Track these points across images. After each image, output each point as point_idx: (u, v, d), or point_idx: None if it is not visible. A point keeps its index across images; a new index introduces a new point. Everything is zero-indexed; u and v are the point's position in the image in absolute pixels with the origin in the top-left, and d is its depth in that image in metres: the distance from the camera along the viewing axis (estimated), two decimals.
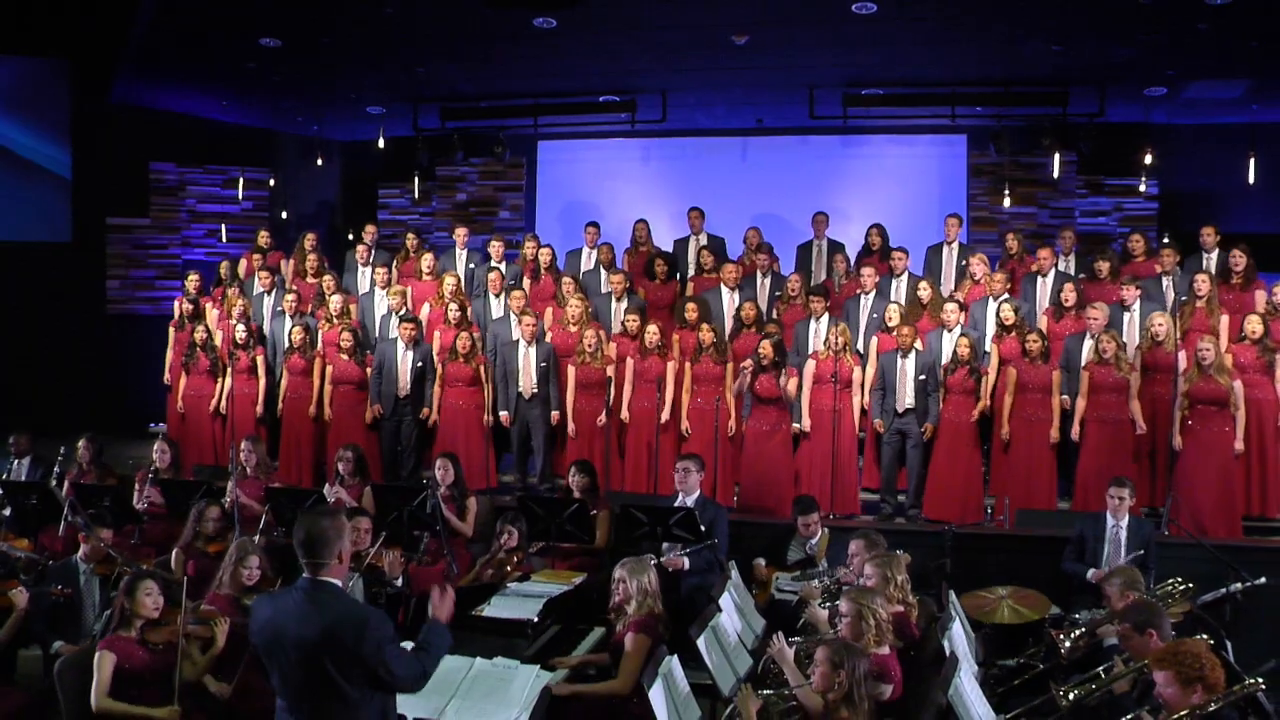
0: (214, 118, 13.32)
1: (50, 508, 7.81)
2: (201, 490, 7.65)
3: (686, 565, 7.04)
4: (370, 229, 11.50)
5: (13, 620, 5.81)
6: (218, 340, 10.10)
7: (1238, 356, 8.32)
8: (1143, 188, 12.06)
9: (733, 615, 5.80)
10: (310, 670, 3.72)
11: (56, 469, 8.60)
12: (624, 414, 9.20)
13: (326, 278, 10.43)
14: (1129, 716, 4.26)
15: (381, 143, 12.78)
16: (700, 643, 5.13)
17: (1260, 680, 4.16)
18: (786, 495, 8.58)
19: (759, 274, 10.51)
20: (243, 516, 7.47)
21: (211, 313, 10.54)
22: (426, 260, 10.75)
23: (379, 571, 6.64)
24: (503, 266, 10.75)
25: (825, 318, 9.34)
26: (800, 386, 8.81)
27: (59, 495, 7.94)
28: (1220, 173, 11.74)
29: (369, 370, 9.63)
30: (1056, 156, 11.77)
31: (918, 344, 8.82)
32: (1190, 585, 6.07)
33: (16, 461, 8.87)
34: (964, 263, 10.17)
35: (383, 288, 10.40)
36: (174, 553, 7.00)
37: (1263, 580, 6.73)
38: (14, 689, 5.84)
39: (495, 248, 10.95)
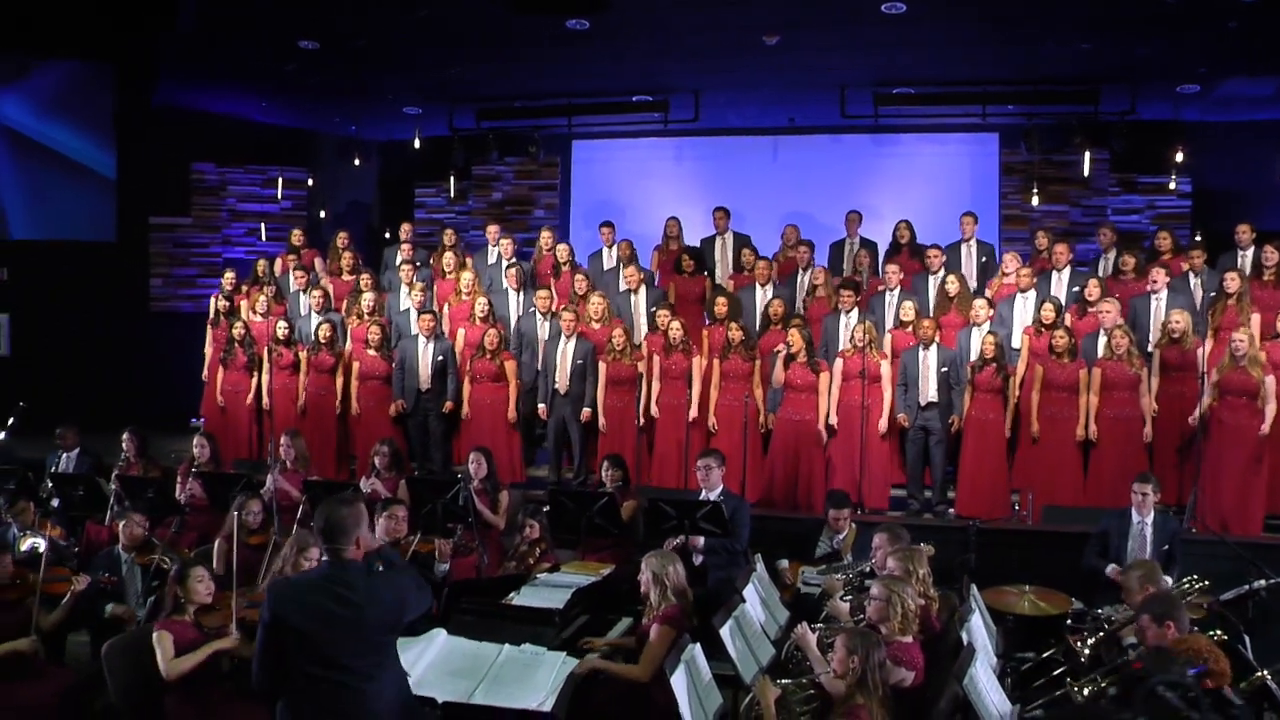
0: (253, 119, 13.57)
1: (96, 499, 8.05)
2: (241, 483, 7.84)
3: (701, 543, 7.18)
4: (406, 227, 11.70)
5: (66, 603, 6.01)
6: (254, 336, 10.31)
7: (1270, 354, 8.30)
8: (1174, 185, 12.02)
9: (756, 606, 5.91)
10: (342, 644, 3.93)
11: (118, 468, 8.78)
12: (653, 409, 9.31)
13: (364, 275, 10.64)
14: None
15: (418, 143, 12.97)
16: (724, 631, 5.23)
17: (1265, 674, 4.21)
18: (817, 488, 8.68)
19: (799, 270, 10.61)
20: (280, 508, 7.65)
21: (247, 310, 10.78)
22: (448, 259, 10.93)
23: (427, 557, 6.82)
24: (521, 263, 10.89)
25: (854, 312, 9.41)
26: (830, 381, 8.90)
27: (105, 487, 8.16)
28: (1252, 170, 11.69)
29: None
30: (1087, 155, 11.76)
31: (939, 338, 8.88)
32: (1208, 583, 6.09)
33: (64, 454, 9.13)
34: (983, 259, 10.21)
35: (408, 284, 10.58)
36: (216, 543, 7.17)
37: None
38: (65, 670, 6.05)
39: (505, 245, 11.08)
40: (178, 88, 12.31)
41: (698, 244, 11.58)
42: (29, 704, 5.55)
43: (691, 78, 11.61)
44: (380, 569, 4.20)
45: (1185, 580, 6.11)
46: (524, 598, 5.99)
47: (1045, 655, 5.96)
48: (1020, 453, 8.76)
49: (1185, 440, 8.43)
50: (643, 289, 10.29)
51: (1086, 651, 5.43)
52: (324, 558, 4.11)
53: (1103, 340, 8.60)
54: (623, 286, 10.52)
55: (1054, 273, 9.78)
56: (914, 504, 9.00)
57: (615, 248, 11.13)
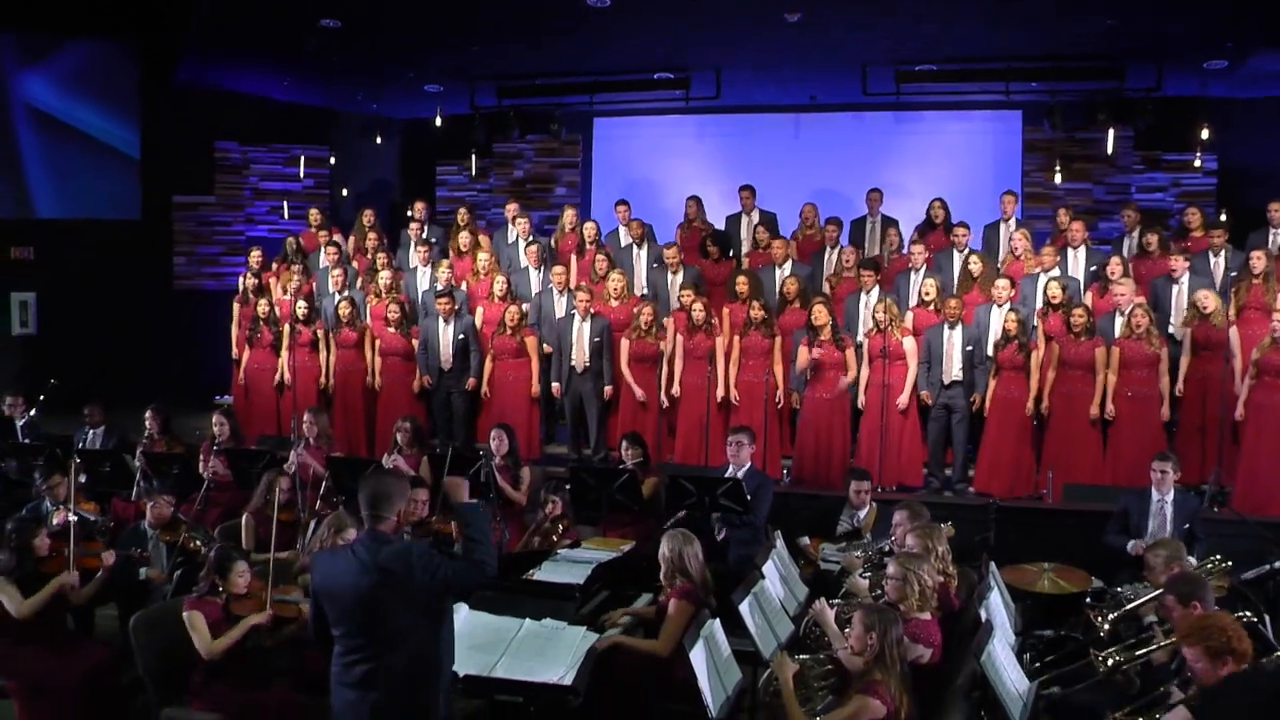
0: (276, 97, 13.60)
1: (123, 475, 8.15)
2: (265, 460, 7.91)
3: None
4: (420, 206, 11.72)
5: (98, 578, 6.10)
6: (279, 315, 10.40)
7: None
8: (1199, 163, 11.90)
9: (776, 582, 5.93)
10: (368, 609, 4.01)
11: (142, 445, 8.85)
12: (675, 389, 9.34)
13: (381, 254, 10.70)
14: (1160, 690, 4.33)
15: (439, 121, 12.97)
16: (743, 608, 5.27)
17: None
18: (841, 465, 8.70)
19: (827, 248, 10.59)
20: (304, 484, 7.73)
21: (275, 288, 10.85)
22: (464, 238, 10.96)
23: (445, 535, 6.86)
24: (524, 240, 10.93)
25: (875, 291, 9.40)
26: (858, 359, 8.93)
27: (130, 463, 8.25)
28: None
29: (415, 343, 9.89)
30: (1111, 132, 11.66)
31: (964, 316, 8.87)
32: (1230, 563, 6.07)
33: (91, 431, 9.23)
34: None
35: (425, 264, 10.62)
36: (244, 518, 7.27)
37: None
38: (95, 644, 6.15)
39: (521, 224, 11.11)
40: (201, 66, 12.35)
41: (722, 222, 11.56)
42: (59, 676, 5.64)
43: (713, 55, 11.56)
44: (408, 540, 4.26)
45: (1208, 560, 6.08)
46: (545, 573, 6.04)
47: (1064, 632, 5.98)
48: (1044, 434, 8.73)
49: (1209, 420, 8.37)
50: (681, 270, 10.29)
51: (1106, 627, 5.41)
52: (364, 531, 4.18)
53: (1120, 319, 8.56)
54: (638, 264, 10.53)
55: (1069, 250, 9.72)
56: (934, 481, 9.00)
57: (629, 226, 11.13)
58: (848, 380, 8.82)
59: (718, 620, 5.03)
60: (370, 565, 4.01)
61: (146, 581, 6.44)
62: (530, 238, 11.02)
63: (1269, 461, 8.05)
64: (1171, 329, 8.81)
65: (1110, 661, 4.69)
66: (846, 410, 8.90)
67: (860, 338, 9.24)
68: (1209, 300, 8.40)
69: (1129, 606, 5.56)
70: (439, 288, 10.06)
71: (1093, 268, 9.41)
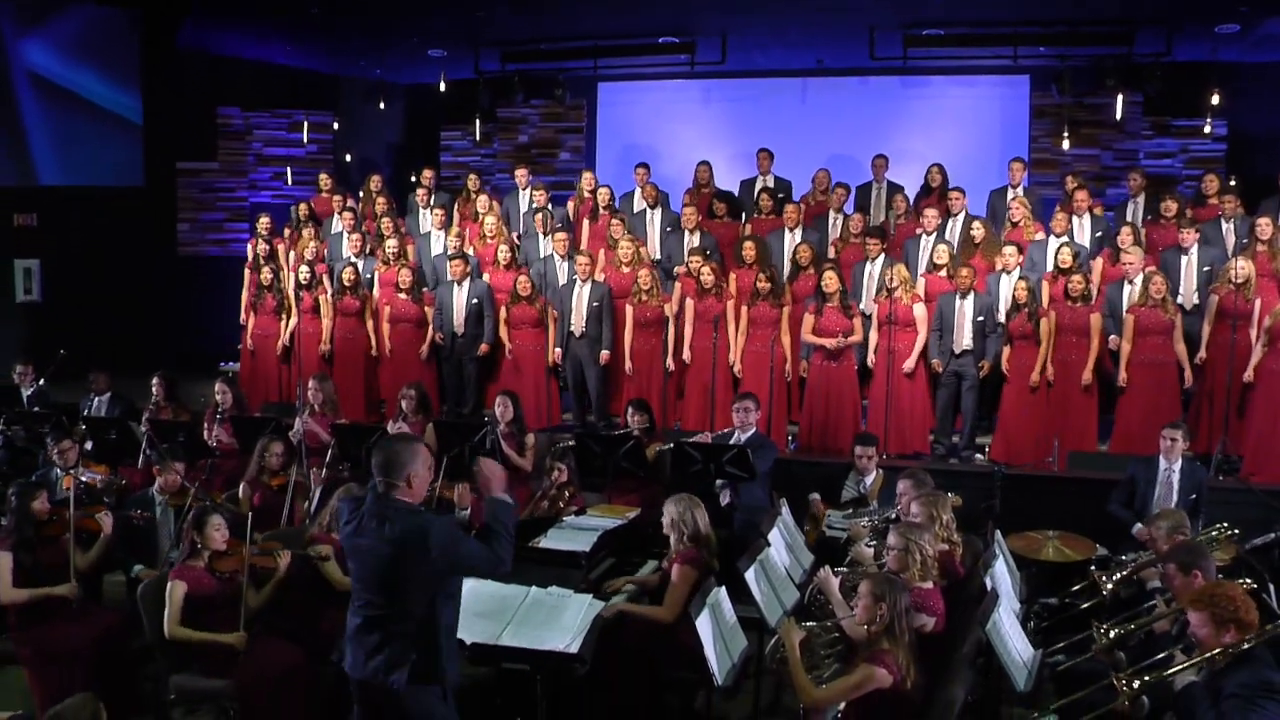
0: (278, 62, 13.54)
1: (128, 442, 8.16)
2: (270, 426, 7.92)
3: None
4: (428, 173, 11.67)
5: (100, 544, 6.13)
6: (289, 281, 10.38)
7: None
8: (1208, 129, 11.80)
9: (781, 550, 5.95)
10: (380, 575, 4.03)
11: (147, 412, 8.84)
12: (685, 354, 9.32)
13: (385, 220, 10.67)
14: (1163, 653, 4.34)
15: (443, 85, 12.89)
16: (749, 575, 5.29)
17: None
18: (849, 432, 8.70)
19: (831, 212, 10.54)
20: (309, 450, 7.74)
21: (289, 254, 10.82)
22: (482, 202, 10.91)
23: (448, 502, 6.87)
24: (549, 207, 10.87)
25: (880, 259, 9.35)
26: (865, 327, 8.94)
27: (137, 430, 8.27)
28: None
29: (427, 309, 9.87)
30: (1120, 97, 11.56)
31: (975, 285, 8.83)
32: (1236, 531, 6.08)
33: (96, 398, 9.23)
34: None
35: (439, 229, 10.59)
36: (241, 486, 7.30)
37: None
38: (104, 611, 6.17)
39: (539, 193, 11.05)
40: (202, 31, 12.28)
41: (735, 186, 11.49)
42: (68, 644, 5.68)
43: (719, 19, 11.47)
44: (429, 515, 4.23)
45: (1215, 528, 6.08)
46: (551, 540, 6.05)
47: (1067, 596, 5.99)
48: (1046, 398, 8.70)
49: (1217, 388, 8.34)
50: (698, 232, 10.25)
51: (1109, 587, 5.43)
52: (372, 493, 4.15)
53: (1129, 287, 8.51)
54: (653, 229, 10.50)
55: (1075, 218, 9.66)
56: (940, 448, 8.99)
57: (649, 186, 11.06)
58: (850, 340, 8.76)
59: (723, 588, 5.05)
60: (384, 534, 4.00)
61: (135, 578, 6.37)
62: (545, 205, 10.92)
63: (1277, 429, 8.02)
64: (1180, 298, 8.75)
65: (1112, 634, 4.68)
66: (854, 377, 8.87)
67: (867, 304, 9.20)
68: (1245, 269, 8.28)
69: (1130, 569, 5.59)
70: (450, 252, 10.03)
71: (1099, 234, 9.33)
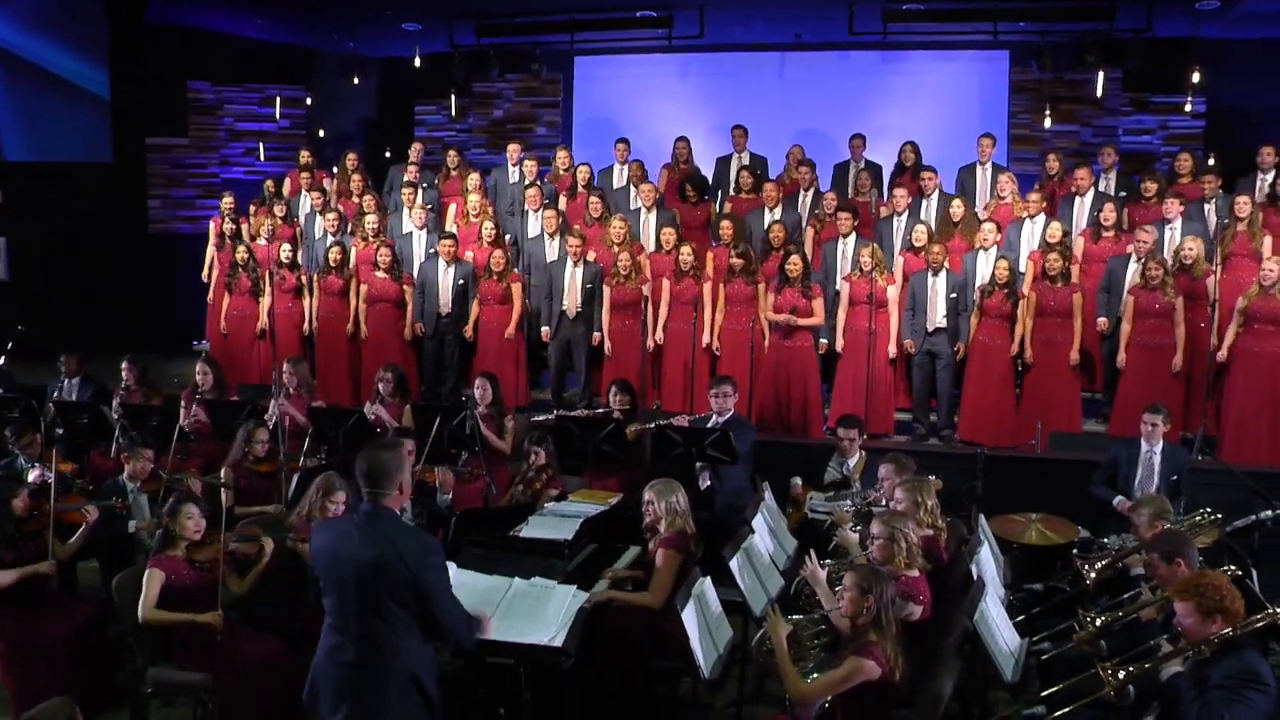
0: (249, 35, 13.28)
1: (101, 427, 8.00)
2: (246, 410, 7.80)
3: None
4: (416, 147, 11.52)
5: (81, 533, 6.01)
6: (258, 260, 10.23)
7: None
8: (1189, 106, 11.78)
9: (765, 536, 5.91)
10: (364, 593, 3.91)
11: (119, 396, 8.68)
12: (659, 335, 9.26)
13: (367, 197, 10.52)
14: (1150, 642, 4.34)
15: (418, 60, 12.73)
16: (733, 565, 5.24)
17: (1276, 612, 4.21)
18: (814, 414, 8.68)
19: (801, 190, 10.45)
20: (286, 433, 7.62)
21: (248, 234, 10.65)
22: (473, 179, 10.76)
23: (429, 487, 6.80)
24: (540, 183, 10.74)
25: (853, 237, 9.30)
26: (836, 306, 8.88)
27: (109, 415, 8.12)
28: (1271, 90, 11.42)
29: (406, 289, 9.74)
30: (1101, 74, 11.52)
31: (948, 263, 8.79)
32: (1219, 515, 6.08)
33: (67, 381, 9.05)
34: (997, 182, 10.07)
35: (409, 206, 10.44)
36: (223, 470, 7.19)
37: None
38: (81, 601, 6.08)
39: (529, 166, 10.92)
40: (171, 3, 12.04)
41: (709, 163, 11.39)
42: (44, 638, 5.59)
43: None
44: (414, 530, 4.16)
45: (1197, 513, 6.09)
46: (533, 529, 5.96)
47: (1051, 583, 5.99)
48: (1026, 379, 8.72)
49: (1194, 370, 8.35)
50: (656, 210, 10.15)
51: (1093, 575, 5.43)
52: (364, 504, 4.05)
53: (1133, 267, 8.48)
54: (634, 204, 10.38)
55: (1077, 198, 9.62)
56: (919, 428, 8.98)
57: (627, 166, 10.93)
58: (804, 322, 8.69)
59: (708, 578, 5.01)
60: (368, 542, 3.92)
61: (135, 534, 6.35)
62: (535, 180, 10.78)
63: (1257, 410, 8.04)
64: None
65: (1098, 623, 4.67)
66: (811, 357, 8.82)
67: (840, 282, 9.15)
68: (1192, 249, 8.33)
69: (1113, 557, 5.58)
70: (440, 230, 9.89)
71: (1096, 212, 9.29)
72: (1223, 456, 7.94)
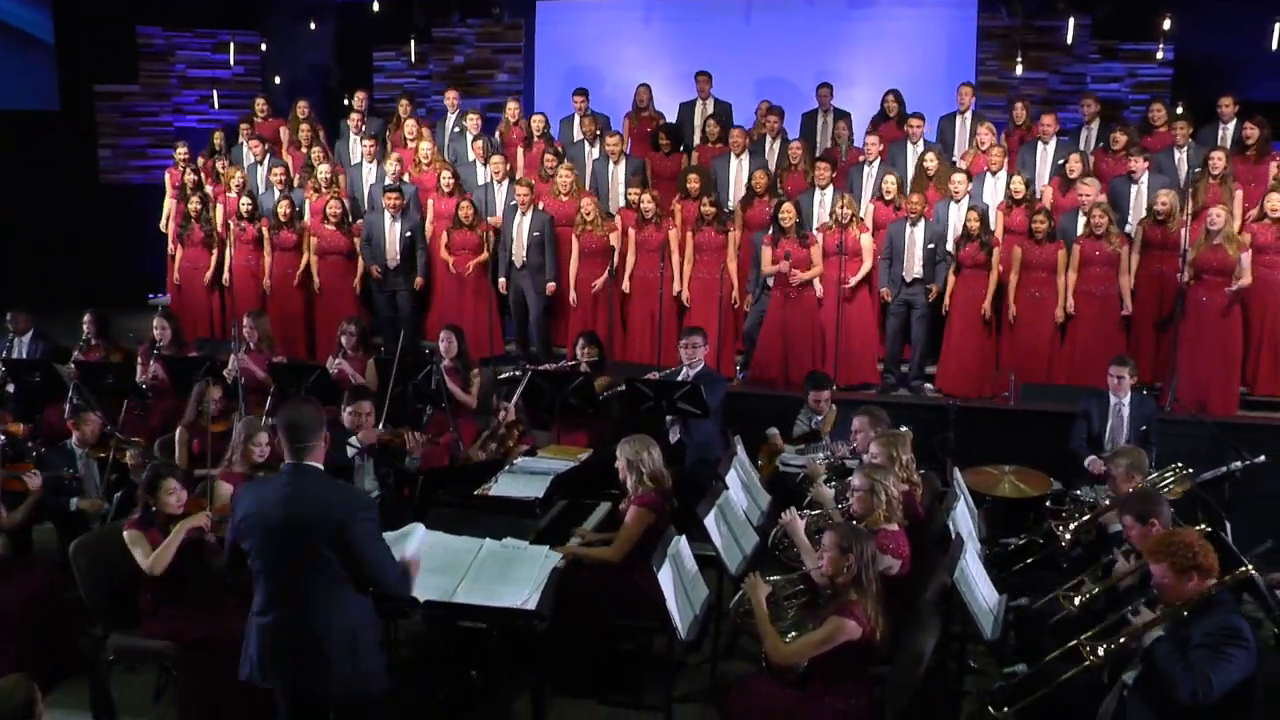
0: None
1: (55, 385, 7.76)
2: (205, 366, 7.61)
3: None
4: (361, 96, 11.21)
5: (29, 503, 5.86)
6: (217, 212, 9.95)
7: (1257, 237, 8.12)
8: (1160, 55, 11.68)
9: (739, 491, 5.85)
10: (295, 550, 3.84)
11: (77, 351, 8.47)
12: (625, 285, 9.12)
13: (316, 149, 10.25)
14: (1127, 609, 4.30)
15: (376, 4, 12.38)
16: (708, 521, 5.18)
17: (1250, 567, 4.21)
18: (807, 366, 8.58)
19: (768, 138, 10.30)
20: (246, 389, 7.45)
21: (210, 184, 10.37)
22: (410, 127, 10.54)
23: (398, 447, 6.64)
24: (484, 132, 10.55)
25: (830, 189, 9.18)
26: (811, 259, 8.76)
27: (63, 372, 7.89)
28: (1241, 38, 11.31)
29: (357, 240, 9.54)
30: (1071, 20, 11.39)
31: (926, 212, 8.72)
32: (1190, 470, 6.08)
33: (17, 339, 8.79)
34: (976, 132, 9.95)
35: (371, 160, 10.20)
36: (178, 431, 7.02)
37: (1262, 458, 6.69)
38: (35, 569, 5.90)
39: (473, 120, 10.66)
40: None
41: (673, 110, 11.19)
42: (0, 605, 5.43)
43: None
44: (349, 489, 4.05)
45: (1169, 468, 6.08)
46: (502, 487, 5.83)
47: (1026, 537, 5.96)
48: (1004, 333, 8.66)
49: (1163, 320, 8.35)
50: (623, 160, 9.97)
51: (1068, 536, 5.40)
52: (287, 461, 3.96)
53: (1082, 219, 8.44)
54: (593, 156, 10.20)
55: (1040, 144, 9.54)
56: (890, 378, 8.93)
57: (585, 119, 10.71)
58: (811, 274, 8.61)
59: (683, 537, 4.93)
60: (295, 499, 3.84)
61: (76, 512, 6.16)
62: (478, 131, 10.57)
63: (1208, 361, 8.04)
64: (1129, 228, 8.70)
65: (1078, 600, 4.63)
66: (814, 310, 8.71)
67: (815, 233, 9.05)
68: (1166, 203, 8.27)
69: (1089, 516, 5.55)
70: (387, 182, 9.66)
71: (1061, 161, 9.20)
72: (1177, 409, 7.92)
